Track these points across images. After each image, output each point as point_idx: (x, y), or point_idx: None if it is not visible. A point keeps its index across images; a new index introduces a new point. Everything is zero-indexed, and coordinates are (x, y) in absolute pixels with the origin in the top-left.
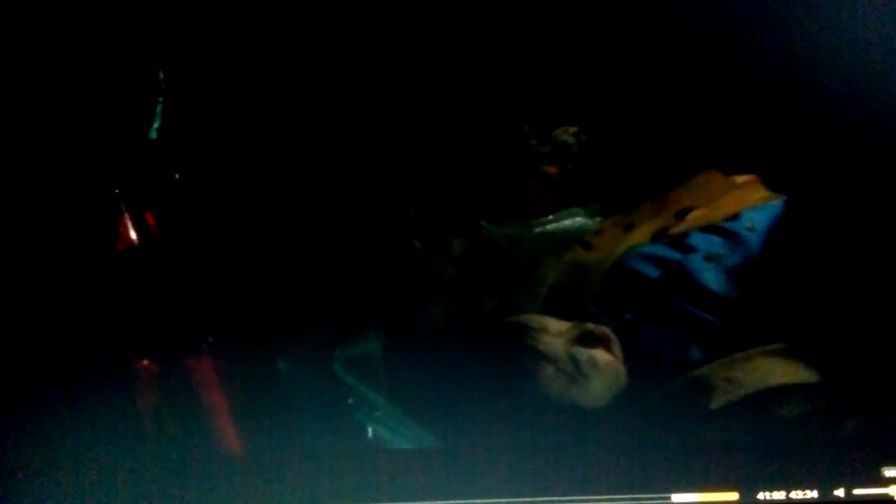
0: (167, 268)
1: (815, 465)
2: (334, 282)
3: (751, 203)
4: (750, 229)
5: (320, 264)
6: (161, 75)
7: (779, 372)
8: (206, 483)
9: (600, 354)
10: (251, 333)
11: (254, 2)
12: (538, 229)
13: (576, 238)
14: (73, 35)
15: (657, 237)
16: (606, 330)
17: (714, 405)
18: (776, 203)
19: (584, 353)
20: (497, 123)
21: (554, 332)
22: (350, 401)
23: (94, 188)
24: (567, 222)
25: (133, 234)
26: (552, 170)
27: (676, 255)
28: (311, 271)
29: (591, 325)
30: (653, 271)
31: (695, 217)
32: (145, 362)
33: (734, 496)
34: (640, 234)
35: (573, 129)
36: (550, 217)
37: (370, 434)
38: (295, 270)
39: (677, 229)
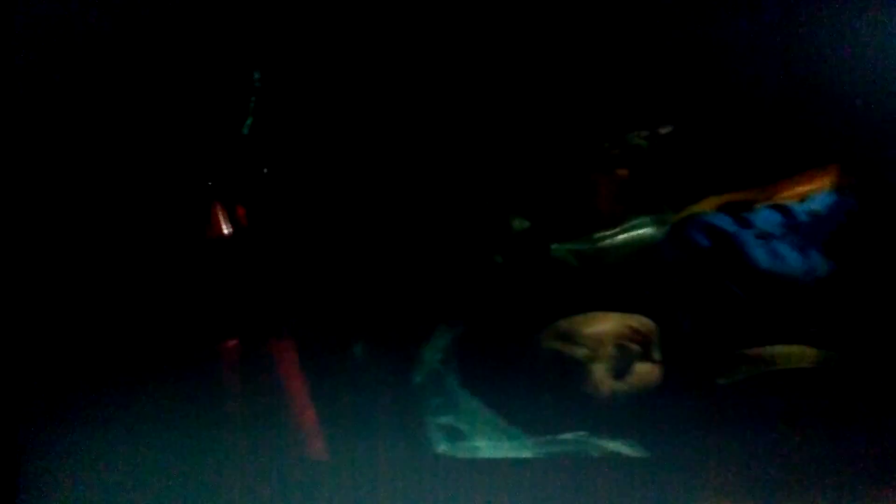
0: (255, 258)
1: (830, 479)
2: (414, 279)
3: (822, 187)
4: (811, 213)
5: (402, 262)
6: (256, 75)
7: (796, 356)
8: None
9: (643, 369)
10: (331, 323)
11: (350, 4)
12: (609, 241)
13: (643, 246)
14: (174, 35)
15: (723, 208)
16: (651, 325)
17: (726, 381)
18: (846, 192)
19: (628, 361)
20: (573, 129)
21: (600, 333)
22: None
23: (189, 181)
24: (636, 232)
25: (223, 225)
26: (623, 172)
27: (732, 228)
28: (392, 268)
29: (635, 323)
30: (704, 241)
31: (767, 193)
32: (230, 346)
33: None
34: (707, 204)
35: (645, 133)
36: (621, 227)
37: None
38: (377, 268)
39: (745, 200)
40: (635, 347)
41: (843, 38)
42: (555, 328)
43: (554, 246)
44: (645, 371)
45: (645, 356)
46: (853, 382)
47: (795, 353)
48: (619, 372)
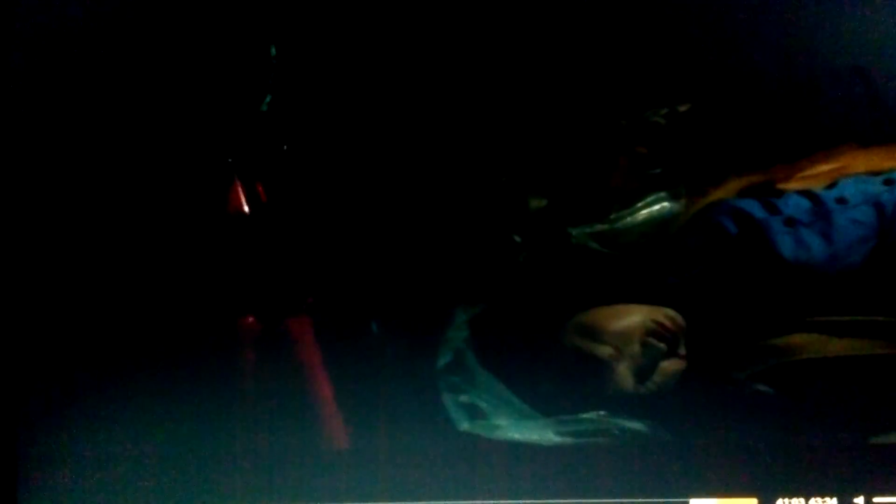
0: (273, 236)
1: (834, 471)
2: (432, 258)
3: (853, 172)
4: (839, 200)
5: (421, 240)
6: (273, 51)
7: (807, 346)
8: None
9: (669, 366)
10: (349, 303)
11: None
12: (628, 219)
13: (662, 224)
14: (192, 12)
15: (745, 192)
16: (678, 319)
17: (740, 373)
18: (881, 180)
19: (654, 359)
20: (590, 107)
21: (625, 329)
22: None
23: (209, 157)
24: (655, 208)
25: (243, 202)
26: (642, 150)
27: (761, 214)
28: (410, 247)
29: (662, 317)
30: (732, 226)
31: (798, 178)
32: (249, 322)
33: (753, 502)
34: (731, 188)
35: (664, 111)
36: (638, 204)
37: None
38: (395, 247)
39: (766, 181)
40: (661, 345)
41: (865, 15)
42: (578, 321)
43: (573, 231)
44: (671, 368)
45: (671, 352)
46: (876, 373)
47: (815, 343)
48: (645, 370)
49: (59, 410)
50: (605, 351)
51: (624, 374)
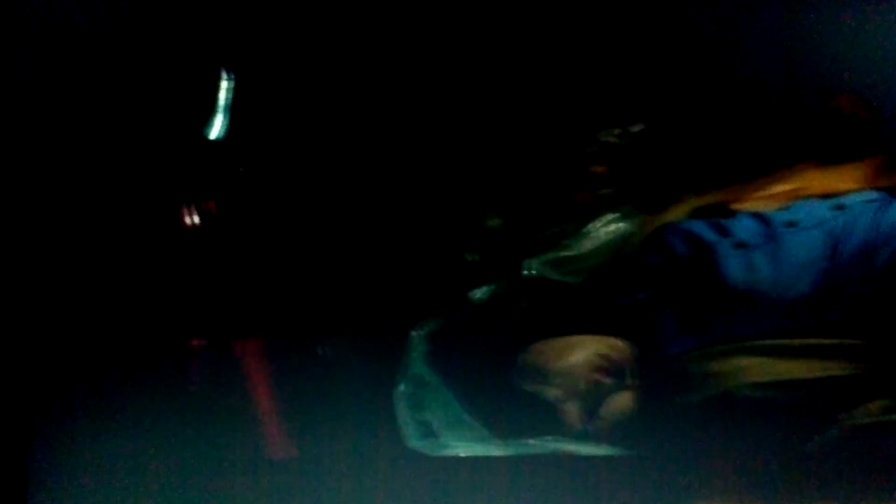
0: (226, 257)
1: (835, 479)
2: (388, 277)
3: (809, 193)
4: (789, 224)
5: (376, 259)
6: (229, 75)
7: (754, 369)
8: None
9: (618, 399)
10: (301, 323)
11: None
12: (581, 244)
13: (617, 246)
14: (150, 34)
15: (697, 213)
16: (624, 349)
17: (686, 399)
18: (832, 205)
19: (601, 395)
20: (549, 127)
21: (571, 368)
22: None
23: (163, 180)
24: (609, 229)
25: (195, 223)
26: (599, 169)
27: (711, 236)
28: (367, 265)
29: (607, 349)
30: (683, 249)
31: (754, 197)
32: (198, 345)
33: None
34: (686, 208)
35: (617, 131)
36: (589, 228)
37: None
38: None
39: (722, 201)
40: (608, 381)
41: (815, 35)
42: (525, 361)
43: (526, 262)
44: (620, 402)
45: (619, 385)
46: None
47: (755, 366)
48: (594, 407)
49: None
50: (552, 393)
51: (572, 413)
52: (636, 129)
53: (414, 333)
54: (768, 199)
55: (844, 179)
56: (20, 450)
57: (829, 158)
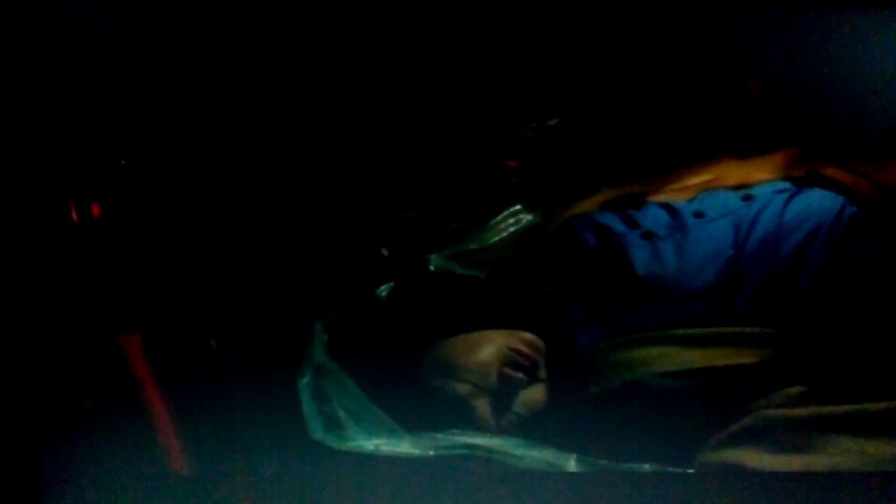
0: (109, 251)
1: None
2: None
3: (724, 184)
4: (697, 214)
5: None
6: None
7: (662, 359)
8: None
9: (529, 394)
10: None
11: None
12: (486, 236)
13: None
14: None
15: (607, 206)
16: (536, 342)
17: (595, 390)
18: (740, 195)
19: (513, 389)
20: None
21: (481, 363)
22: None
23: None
24: (513, 221)
25: (77, 217)
26: (514, 164)
27: (620, 227)
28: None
29: (518, 343)
30: (592, 240)
31: (669, 189)
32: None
33: None
34: (602, 196)
35: (533, 125)
36: (496, 220)
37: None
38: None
39: (638, 192)
40: (520, 376)
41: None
42: (434, 356)
43: (433, 256)
44: (532, 396)
45: (531, 379)
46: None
47: (663, 356)
48: (505, 403)
49: None
50: (462, 389)
51: (483, 409)
52: (552, 122)
53: (317, 325)
54: (682, 190)
55: (759, 170)
56: None
57: (746, 151)
